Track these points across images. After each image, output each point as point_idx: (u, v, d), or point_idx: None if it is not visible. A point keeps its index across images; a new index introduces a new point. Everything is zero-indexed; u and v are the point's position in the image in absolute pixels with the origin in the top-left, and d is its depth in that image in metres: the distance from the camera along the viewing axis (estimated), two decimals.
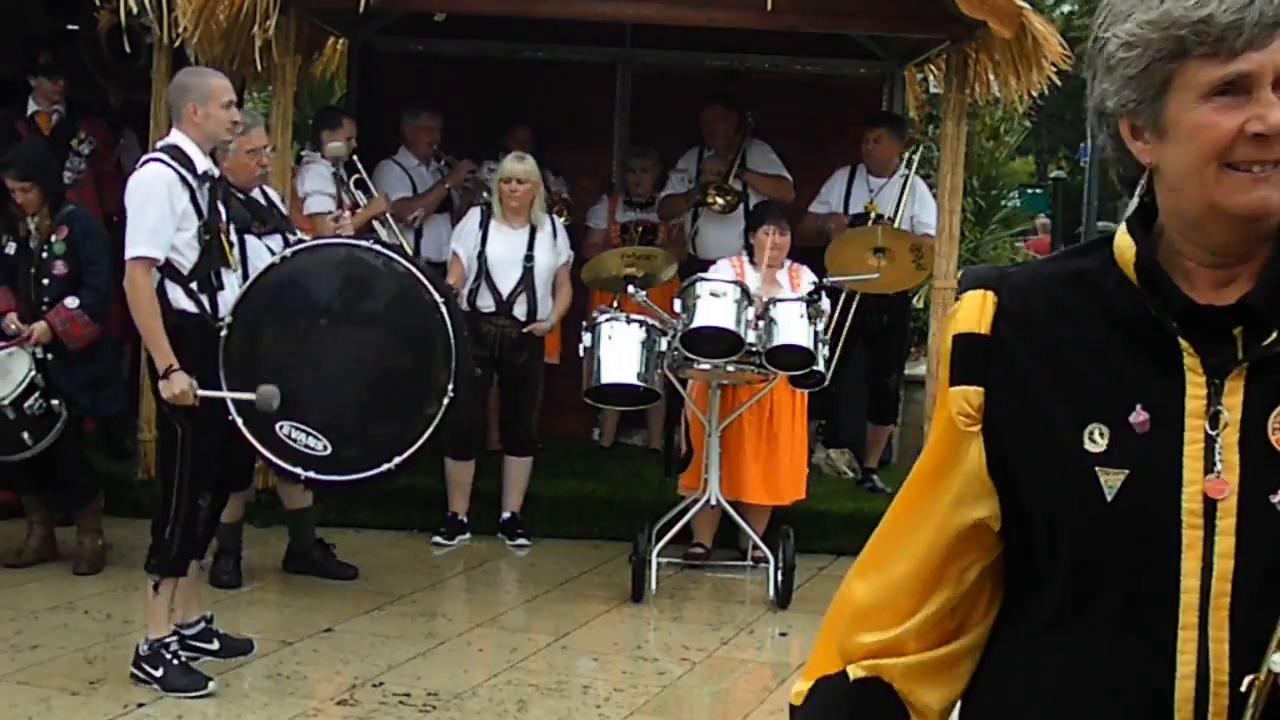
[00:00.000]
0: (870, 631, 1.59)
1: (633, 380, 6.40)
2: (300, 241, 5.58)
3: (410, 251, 7.20)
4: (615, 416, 8.57)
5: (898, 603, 1.58)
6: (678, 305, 6.40)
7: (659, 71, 9.34)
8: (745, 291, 6.38)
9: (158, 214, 4.88)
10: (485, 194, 7.55)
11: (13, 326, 6.21)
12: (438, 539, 7.24)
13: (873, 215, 7.85)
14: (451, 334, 5.27)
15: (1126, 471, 1.41)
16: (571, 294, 7.35)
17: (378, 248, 5.47)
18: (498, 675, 5.37)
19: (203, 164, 5.04)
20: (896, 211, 7.79)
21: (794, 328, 6.32)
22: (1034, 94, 7.95)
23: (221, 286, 5.09)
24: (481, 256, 7.13)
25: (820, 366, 6.40)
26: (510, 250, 7.12)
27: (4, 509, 6.97)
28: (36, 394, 6.09)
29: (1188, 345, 1.42)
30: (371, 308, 5.35)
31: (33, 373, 6.09)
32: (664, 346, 6.43)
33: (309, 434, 5.18)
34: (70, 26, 8.51)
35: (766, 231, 6.93)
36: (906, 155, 7.97)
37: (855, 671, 1.59)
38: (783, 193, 8.14)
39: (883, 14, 7.35)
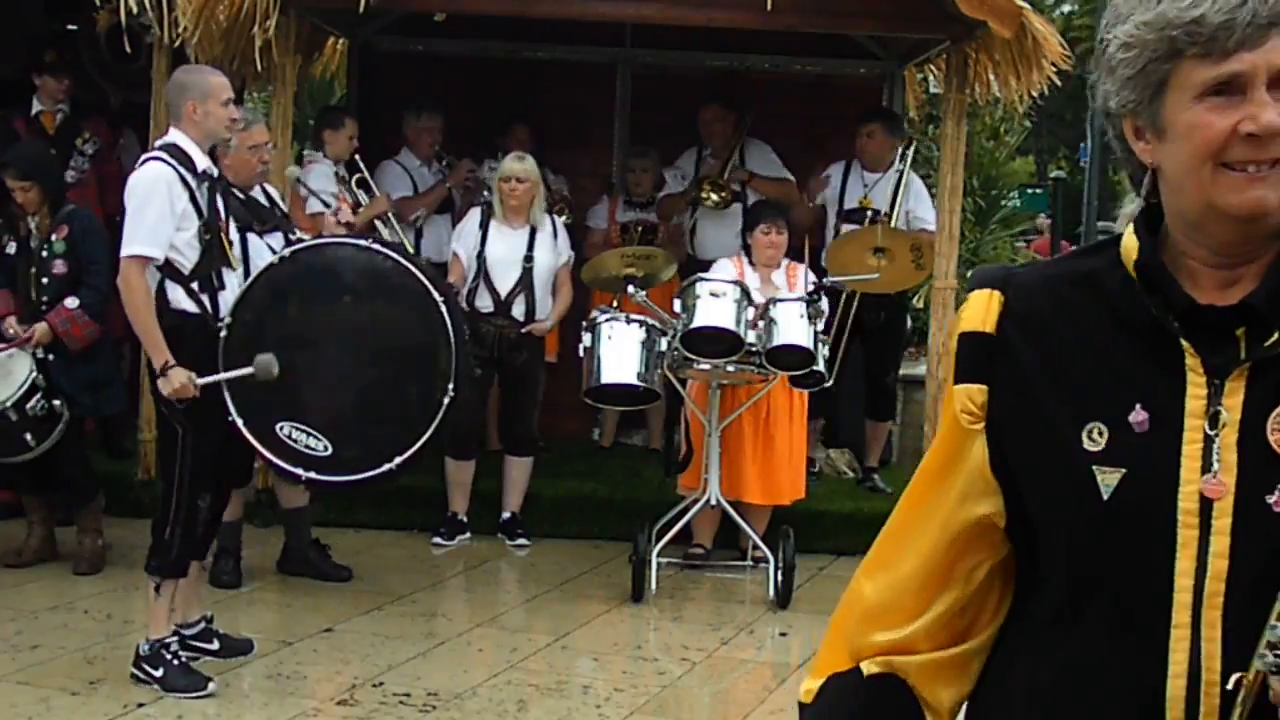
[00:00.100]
0: (881, 631, 1.60)
1: (633, 380, 6.41)
2: (300, 241, 5.58)
3: (411, 251, 7.19)
4: (615, 416, 8.57)
5: (906, 602, 1.59)
6: (677, 305, 6.40)
7: (659, 71, 9.34)
8: (745, 291, 6.38)
9: (157, 213, 4.87)
10: (485, 193, 7.55)
11: (11, 330, 6.21)
12: (438, 539, 7.24)
13: (869, 211, 7.84)
14: (452, 333, 5.27)
15: (1123, 470, 1.42)
16: (572, 294, 7.35)
17: (377, 247, 5.47)
18: (498, 675, 5.37)
19: (202, 163, 5.03)
20: (892, 208, 7.78)
21: (794, 328, 6.32)
22: (1034, 94, 7.95)
23: (222, 286, 5.09)
24: (480, 256, 7.13)
25: (820, 366, 6.40)
26: (510, 250, 7.12)
27: (4, 509, 6.97)
28: (38, 395, 6.10)
29: (1188, 345, 1.42)
30: (372, 307, 5.34)
31: (34, 374, 6.10)
32: (664, 346, 6.43)
33: (309, 434, 5.18)
34: (69, 27, 8.52)
35: (764, 231, 6.93)
36: (901, 150, 7.96)
37: (869, 667, 1.60)
38: (788, 195, 8.14)
39: (883, 14, 7.35)
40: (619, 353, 6.39)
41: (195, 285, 5.01)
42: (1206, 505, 1.39)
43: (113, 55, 7.73)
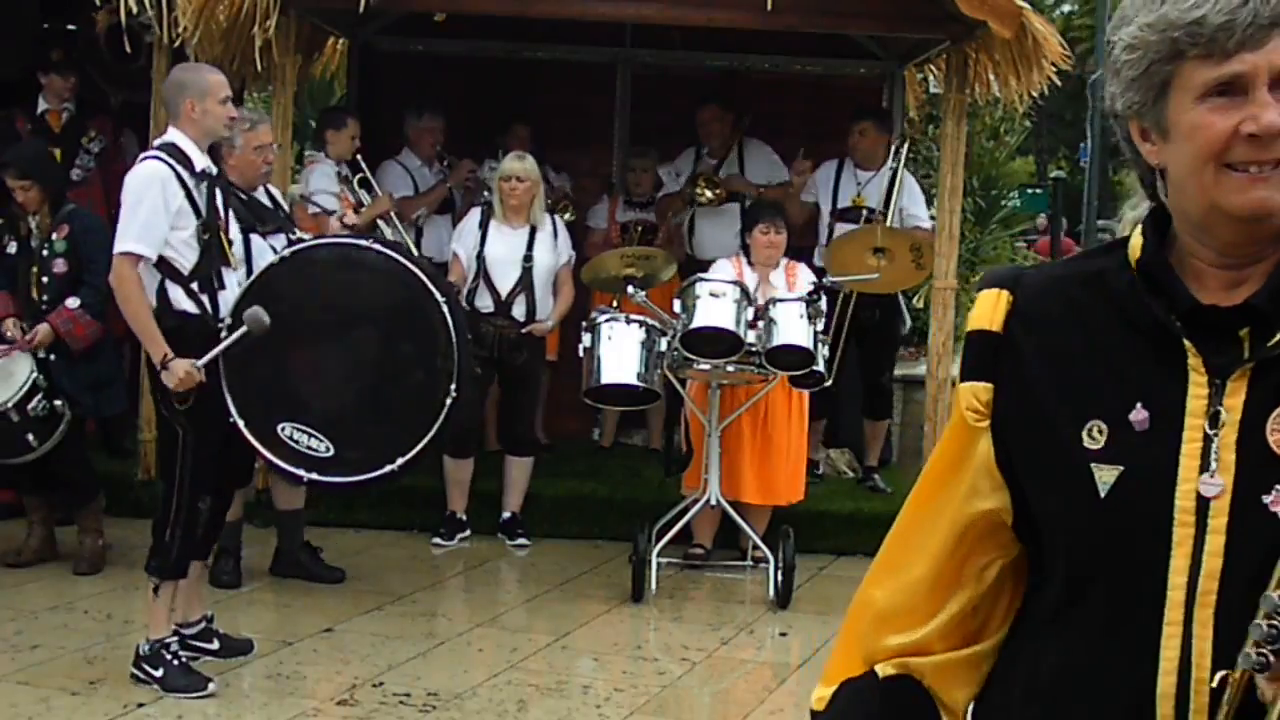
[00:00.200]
0: (894, 634, 1.60)
1: (632, 380, 6.41)
2: (300, 240, 5.57)
3: (412, 251, 7.19)
4: (615, 416, 8.57)
5: (919, 604, 1.59)
6: (677, 305, 6.40)
7: (659, 71, 9.34)
8: (745, 291, 6.38)
9: (150, 210, 4.85)
10: (486, 193, 7.55)
11: (10, 333, 6.20)
12: (438, 539, 7.24)
13: (863, 210, 7.84)
14: (454, 333, 5.26)
15: (1121, 468, 1.43)
16: (573, 294, 7.35)
17: (379, 246, 5.46)
18: (498, 675, 5.37)
19: (200, 162, 5.01)
20: (887, 206, 7.78)
21: (794, 328, 6.32)
22: (1034, 94, 7.95)
23: (223, 286, 5.07)
24: (480, 256, 7.13)
25: (820, 366, 6.40)
26: (509, 250, 7.12)
27: (4, 509, 6.97)
28: (39, 395, 6.10)
29: (1190, 345, 1.43)
30: (373, 307, 5.33)
31: (35, 374, 6.10)
32: (664, 346, 6.43)
33: (311, 435, 5.17)
34: (69, 26, 8.51)
35: (763, 230, 6.93)
36: (894, 149, 7.96)
37: (884, 669, 1.61)
38: (784, 199, 8.11)
39: (883, 14, 7.35)
40: (619, 353, 6.39)
41: (195, 285, 4.99)
42: (1203, 504, 1.40)
43: (112, 55, 7.73)
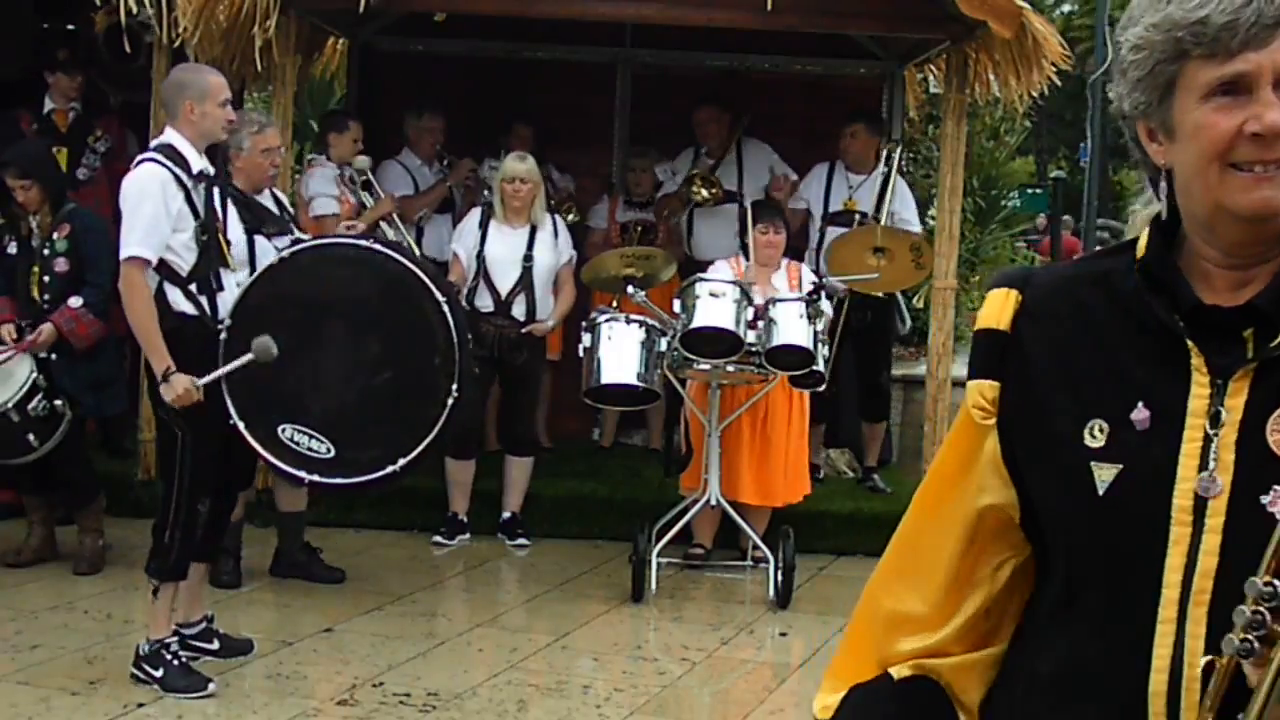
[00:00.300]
0: (910, 638, 1.60)
1: (632, 381, 6.41)
2: (299, 241, 5.56)
3: (414, 251, 7.19)
4: (615, 416, 8.58)
5: (935, 606, 1.59)
6: (677, 305, 6.40)
7: (659, 71, 9.34)
8: (745, 291, 6.38)
9: (152, 214, 4.84)
10: (486, 192, 7.55)
11: (10, 338, 6.19)
12: (438, 539, 7.24)
13: (855, 214, 7.84)
14: (455, 334, 5.26)
15: (1120, 466, 1.43)
16: (574, 293, 7.34)
17: (379, 246, 5.45)
18: (498, 675, 5.37)
19: (198, 163, 5.00)
20: (878, 210, 7.77)
21: (793, 328, 6.32)
22: (1034, 94, 7.95)
23: (221, 288, 5.06)
24: (480, 256, 7.13)
25: (820, 366, 6.40)
26: (509, 250, 7.12)
27: (4, 509, 6.97)
28: (39, 396, 6.09)
29: (1193, 345, 1.43)
30: (374, 307, 5.32)
31: (34, 374, 6.09)
32: (663, 347, 6.43)
33: (312, 436, 5.16)
34: (67, 27, 8.52)
35: (762, 230, 6.93)
36: (886, 153, 7.95)
37: (900, 671, 1.60)
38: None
39: (883, 14, 7.35)
40: (619, 353, 6.39)
41: (193, 287, 4.98)
42: (1201, 504, 1.40)
43: (111, 55, 7.73)
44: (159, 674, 4.99)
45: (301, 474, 5.22)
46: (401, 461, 5.22)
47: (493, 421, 7.87)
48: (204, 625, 5.36)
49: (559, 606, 6.35)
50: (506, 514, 7.34)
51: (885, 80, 9.25)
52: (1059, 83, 7.91)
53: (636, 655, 5.81)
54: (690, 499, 6.72)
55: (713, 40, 8.78)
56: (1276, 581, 1.26)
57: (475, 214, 7.33)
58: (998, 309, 1.55)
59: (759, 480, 6.82)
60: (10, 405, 6.01)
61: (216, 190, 5.11)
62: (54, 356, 6.19)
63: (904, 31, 7.87)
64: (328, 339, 5.26)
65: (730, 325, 6.25)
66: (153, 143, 5.15)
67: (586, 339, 6.48)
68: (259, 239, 5.47)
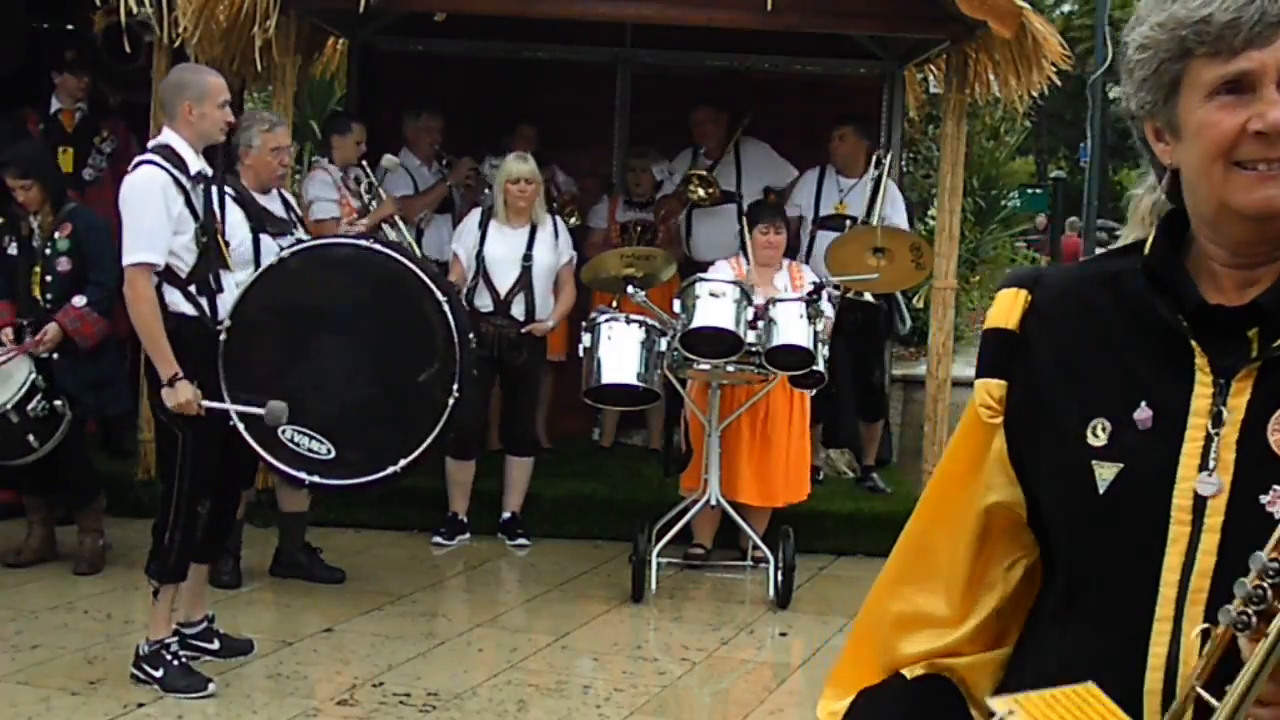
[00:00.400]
0: (922, 640, 1.60)
1: (632, 381, 6.41)
2: (299, 241, 5.56)
3: (414, 252, 7.19)
4: (615, 416, 8.58)
5: (949, 607, 1.59)
6: (677, 305, 6.40)
7: (659, 71, 9.34)
8: (745, 291, 6.38)
9: (154, 218, 4.82)
10: (486, 191, 7.55)
11: (9, 341, 6.18)
12: (438, 539, 7.24)
13: (845, 218, 7.83)
14: (456, 333, 5.25)
15: (1120, 465, 1.44)
16: (574, 294, 7.34)
17: (379, 247, 5.45)
18: (498, 675, 5.37)
19: (196, 164, 4.97)
20: (870, 214, 7.77)
21: (793, 328, 6.32)
22: (1034, 94, 7.95)
23: (220, 289, 5.05)
24: (480, 256, 7.13)
25: (820, 367, 6.40)
26: (509, 250, 7.12)
27: (4, 509, 6.97)
28: (39, 396, 6.09)
29: (1197, 345, 1.43)
30: (374, 308, 5.32)
31: (33, 375, 6.08)
32: (663, 347, 6.43)
33: (312, 437, 5.16)
34: (66, 26, 8.52)
35: (762, 230, 6.93)
36: (876, 158, 7.94)
37: (913, 670, 1.60)
38: None
39: (883, 14, 7.35)
40: (619, 353, 6.39)
41: (193, 288, 4.97)
42: (1200, 503, 1.40)
43: (110, 56, 7.73)
44: (159, 674, 4.98)
45: (302, 475, 5.22)
46: (402, 462, 5.22)
47: (495, 422, 7.87)
48: (205, 625, 5.36)
49: (559, 606, 6.35)
50: (506, 514, 7.34)
51: (885, 80, 9.24)
52: (1059, 83, 7.91)
53: (636, 655, 5.81)
54: (690, 499, 6.72)
55: (713, 40, 8.78)
56: None
57: (475, 214, 7.33)
58: (1006, 308, 1.56)
59: (760, 480, 6.82)
60: (9, 406, 6.00)
61: (215, 191, 5.09)
62: (56, 356, 6.19)
63: (904, 31, 7.87)
64: (328, 339, 5.26)
65: (730, 325, 6.25)
66: (150, 144, 5.11)
67: (586, 339, 6.48)
68: (264, 238, 5.46)
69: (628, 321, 6.43)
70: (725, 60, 9.26)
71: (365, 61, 9.29)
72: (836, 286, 7.02)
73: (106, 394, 6.53)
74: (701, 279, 6.56)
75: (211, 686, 4.99)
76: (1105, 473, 1.44)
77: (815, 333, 6.35)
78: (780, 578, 6.44)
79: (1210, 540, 1.39)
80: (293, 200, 6.12)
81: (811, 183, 8.04)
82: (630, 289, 6.62)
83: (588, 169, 9.00)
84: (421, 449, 5.22)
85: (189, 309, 4.97)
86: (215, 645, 5.35)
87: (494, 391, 7.55)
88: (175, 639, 5.08)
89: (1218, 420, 1.41)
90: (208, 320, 5.00)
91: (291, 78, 7.33)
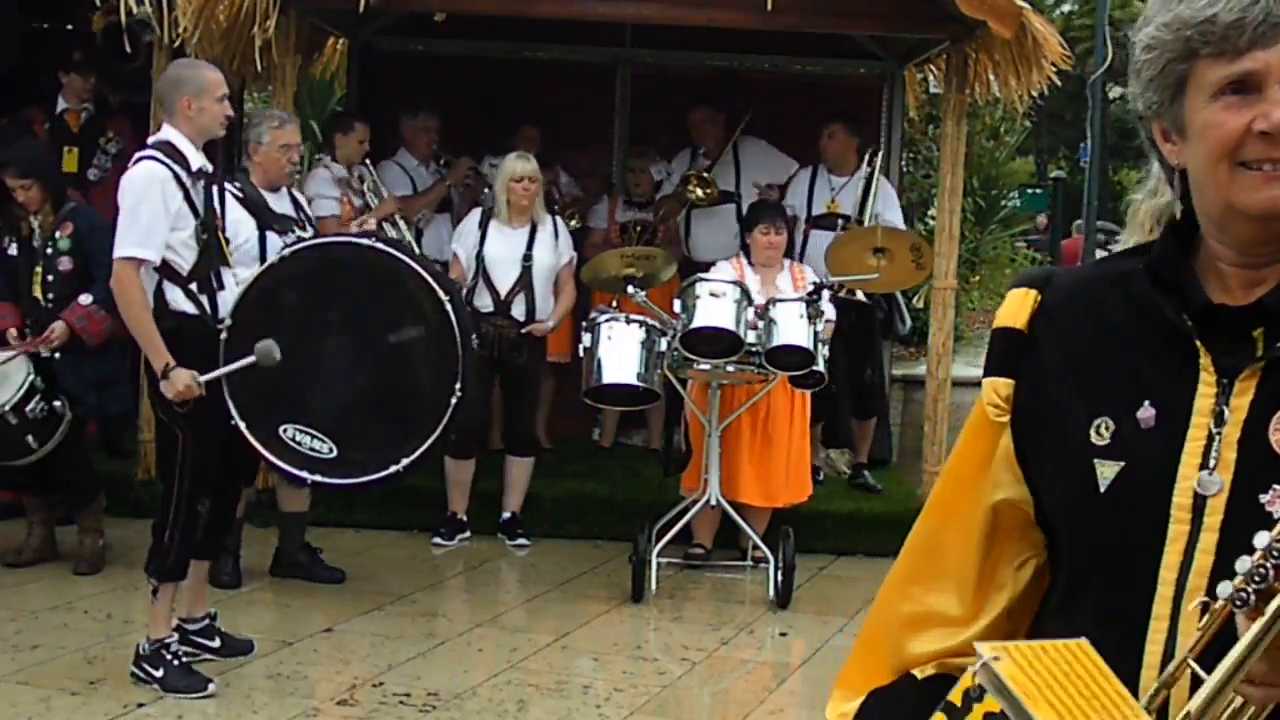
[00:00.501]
0: (933, 640, 1.59)
1: (632, 381, 6.41)
2: (300, 240, 5.55)
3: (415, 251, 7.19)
4: (615, 416, 8.58)
5: (960, 606, 1.59)
6: (677, 305, 6.40)
7: (659, 71, 9.34)
8: (745, 292, 6.38)
9: (151, 214, 4.82)
10: (486, 190, 7.55)
11: (14, 342, 6.18)
12: (438, 539, 7.23)
13: (837, 217, 7.83)
14: (458, 332, 5.25)
15: (1122, 463, 1.44)
16: (575, 294, 7.34)
17: (380, 246, 5.44)
18: (498, 675, 5.37)
19: (197, 160, 4.97)
20: (863, 212, 7.76)
21: (793, 328, 6.32)
22: (1034, 94, 7.95)
23: (221, 286, 5.04)
24: (480, 256, 7.12)
25: (820, 367, 6.40)
26: (509, 250, 7.12)
27: (4, 509, 6.96)
28: (37, 397, 6.08)
29: (1201, 344, 1.44)
30: (376, 307, 5.31)
31: (31, 376, 6.07)
32: (664, 347, 6.43)
33: (314, 436, 5.15)
34: (66, 26, 8.53)
35: (763, 231, 6.93)
36: (868, 155, 7.94)
37: (923, 671, 1.60)
38: None
39: (883, 14, 7.36)
40: (619, 353, 6.39)
41: (194, 286, 4.96)
42: (1200, 502, 1.40)
43: (109, 55, 7.73)
44: (159, 674, 4.98)
45: (303, 474, 5.22)
46: (404, 461, 5.21)
47: (498, 422, 7.86)
48: (207, 622, 5.35)
49: (559, 606, 6.35)
50: (506, 514, 7.34)
51: (885, 80, 9.24)
52: (1059, 83, 7.91)
53: (636, 655, 5.81)
54: (690, 499, 6.72)
55: (713, 40, 8.78)
56: None
57: (475, 214, 7.33)
58: (1016, 308, 1.56)
59: (761, 481, 6.82)
60: (7, 408, 6.00)
61: (216, 187, 5.09)
62: (58, 355, 6.19)
63: (904, 31, 7.88)
64: (329, 338, 5.25)
65: (730, 325, 6.25)
66: (150, 140, 5.10)
67: (586, 339, 6.48)
68: (271, 236, 5.46)
69: (628, 321, 6.43)
70: (725, 60, 9.26)
71: (365, 61, 9.29)
72: (834, 287, 7.02)
73: (108, 393, 6.52)
74: (702, 279, 6.56)
75: (211, 686, 4.99)
76: (1107, 471, 1.45)
77: (815, 333, 6.35)
78: (780, 578, 6.44)
79: (1209, 539, 1.39)
80: (303, 200, 6.12)
81: (804, 182, 8.05)
82: (630, 289, 6.62)
83: (588, 169, 9.00)
84: (424, 448, 5.22)
85: (190, 307, 4.96)
86: (217, 643, 5.35)
87: (496, 391, 7.56)
88: (176, 638, 5.07)
89: (1220, 419, 1.41)
90: (208, 318, 4.99)
91: (291, 78, 7.33)
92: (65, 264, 6.29)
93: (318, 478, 5.22)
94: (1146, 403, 1.45)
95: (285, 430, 5.14)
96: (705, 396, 6.64)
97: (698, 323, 6.28)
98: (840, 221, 7.82)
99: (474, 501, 7.33)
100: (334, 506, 7.08)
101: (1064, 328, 1.53)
